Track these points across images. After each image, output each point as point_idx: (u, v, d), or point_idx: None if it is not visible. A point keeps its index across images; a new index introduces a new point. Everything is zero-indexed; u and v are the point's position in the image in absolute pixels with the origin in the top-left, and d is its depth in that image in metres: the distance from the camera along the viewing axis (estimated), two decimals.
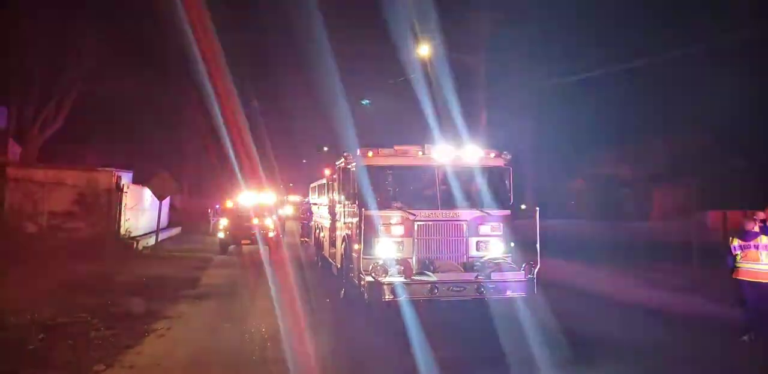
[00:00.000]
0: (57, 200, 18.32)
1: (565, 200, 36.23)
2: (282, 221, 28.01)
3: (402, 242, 10.38)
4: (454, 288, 9.66)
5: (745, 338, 9.21)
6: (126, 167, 21.67)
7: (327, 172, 15.48)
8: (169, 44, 23.55)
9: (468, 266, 10.30)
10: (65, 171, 19.11)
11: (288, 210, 32.77)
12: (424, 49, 23.01)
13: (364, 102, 35.06)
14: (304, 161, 63.68)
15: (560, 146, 32.47)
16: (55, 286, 11.68)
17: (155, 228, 20.66)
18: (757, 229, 9.29)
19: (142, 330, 9.17)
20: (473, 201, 10.84)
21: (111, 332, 8.80)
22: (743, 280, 9.28)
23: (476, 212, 10.67)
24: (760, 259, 9.15)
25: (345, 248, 11.91)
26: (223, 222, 21.92)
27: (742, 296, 9.36)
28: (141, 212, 22.24)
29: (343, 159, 11.90)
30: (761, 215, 9.42)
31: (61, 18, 21.10)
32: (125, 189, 19.80)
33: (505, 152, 11.06)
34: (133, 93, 27.10)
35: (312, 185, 20.08)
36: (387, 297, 9.43)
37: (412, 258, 10.27)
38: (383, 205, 10.55)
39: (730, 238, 9.64)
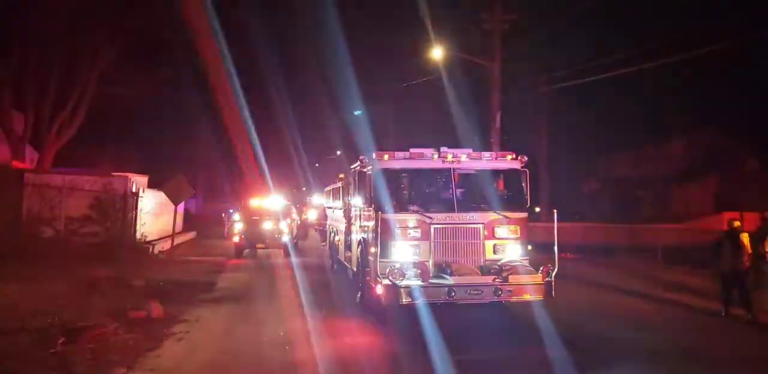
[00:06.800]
0: (73, 205, 18.45)
1: (581, 202, 36.02)
2: (303, 225, 27.76)
3: (419, 245, 10.34)
4: (472, 291, 9.65)
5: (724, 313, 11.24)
6: (141, 172, 21.73)
7: (342, 175, 15.48)
8: (185, 48, 23.63)
9: (485, 270, 10.24)
10: (81, 176, 19.24)
11: (312, 214, 31.79)
12: (437, 52, 23.02)
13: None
14: (317, 164, 63.86)
15: (575, 147, 32.29)
16: (73, 290, 11.74)
17: (170, 232, 20.70)
18: None
19: (161, 333, 9.20)
20: (489, 204, 10.79)
21: (130, 336, 8.83)
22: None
23: (493, 215, 10.61)
24: None
25: (361, 252, 11.89)
26: (238, 226, 21.90)
27: (733, 282, 11.20)
28: (156, 216, 22.34)
29: (358, 162, 11.89)
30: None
31: (76, 22, 21.19)
32: (140, 194, 19.90)
33: (521, 155, 11.03)
34: (148, 98, 27.24)
35: (327, 189, 20.07)
36: (404, 300, 9.43)
37: (428, 261, 10.24)
38: (399, 208, 10.53)
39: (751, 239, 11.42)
